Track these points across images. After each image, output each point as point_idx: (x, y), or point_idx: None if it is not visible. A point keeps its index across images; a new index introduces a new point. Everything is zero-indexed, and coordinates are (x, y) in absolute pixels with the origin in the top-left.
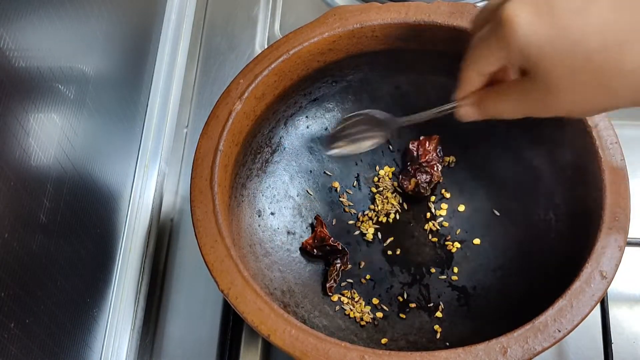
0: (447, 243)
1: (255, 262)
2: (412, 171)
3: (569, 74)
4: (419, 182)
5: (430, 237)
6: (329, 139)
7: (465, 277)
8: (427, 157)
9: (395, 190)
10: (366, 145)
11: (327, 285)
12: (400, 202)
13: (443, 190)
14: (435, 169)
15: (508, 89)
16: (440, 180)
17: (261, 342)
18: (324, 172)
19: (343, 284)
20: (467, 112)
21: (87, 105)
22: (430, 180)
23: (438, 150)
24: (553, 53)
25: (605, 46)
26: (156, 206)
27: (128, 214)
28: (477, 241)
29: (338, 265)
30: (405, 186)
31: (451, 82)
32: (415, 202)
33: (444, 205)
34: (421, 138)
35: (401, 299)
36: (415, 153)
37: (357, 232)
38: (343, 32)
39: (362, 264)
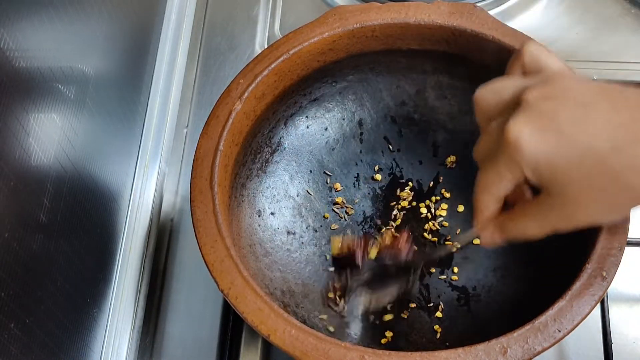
0: (447, 243)
1: (255, 262)
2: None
3: (585, 182)
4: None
5: (430, 237)
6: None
7: (465, 277)
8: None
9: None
10: (390, 295)
11: (329, 296)
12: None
13: (443, 190)
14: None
15: (527, 210)
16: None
17: (261, 342)
18: (324, 172)
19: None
20: (491, 238)
21: (87, 105)
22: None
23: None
24: (565, 166)
25: (616, 146)
26: (156, 206)
27: (128, 213)
28: (477, 241)
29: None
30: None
31: (451, 82)
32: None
33: (444, 205)
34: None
35: (401, 299)
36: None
37: (358, 232)
38: (343, 32)
39: (362, 264)
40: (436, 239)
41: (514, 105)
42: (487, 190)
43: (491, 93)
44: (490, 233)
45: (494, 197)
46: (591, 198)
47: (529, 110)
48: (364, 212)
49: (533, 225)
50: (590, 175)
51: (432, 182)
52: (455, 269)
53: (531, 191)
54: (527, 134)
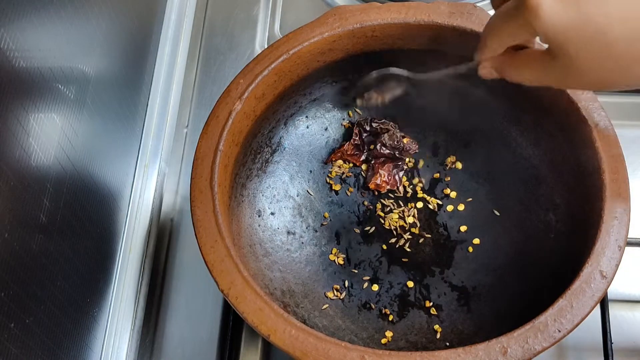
0: (447, 243)
1: (255, 262)
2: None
3: (591, 58)
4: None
5: (430, 237)
6: (356, 93)
7: (465, 277)
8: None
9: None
10: (393, 94)
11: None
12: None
13: (443, 190)
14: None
15: (530, 59)
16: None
17: (261, 342)
18: (324, 172)
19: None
20: (488, 72)
21: (87, 105)
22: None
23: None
24: (577, 39)
25: (628, 35)
26: (156, 206)
27: (128, 213)
28: (477, 241)
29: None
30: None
31: (451, 82)
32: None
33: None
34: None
35: (400, 299)
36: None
37: (357, 232)
38: (343, 32)
39: (362, 264)
40: (436, 238)
41: None
42: (497, 35)
43: None
44: (489, 68)
45: (501, 43)
46: (592, 71)
47: None
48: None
49: (531, 74)
50: (597, 54)
51: (432, 182)
52: (455, 269)
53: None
54: (547, 3)
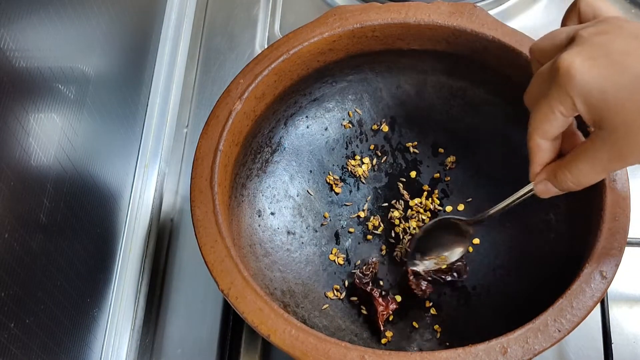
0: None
1: (255, 262)
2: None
3: (636, 111)
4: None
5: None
6: (413, 252)
7: (465, 277)
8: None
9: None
10: (456, 254)
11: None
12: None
13: (443, 190)
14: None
15: (579, 152)
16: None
17: (261, 342)
18: (324, 172)
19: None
20: (545, 188)
21: (87, 105)
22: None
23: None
24: (616, 94)
25: None
26: (156, 206)
27: (128, 213)
28: (476, 241)
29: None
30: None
31: (451, 82)
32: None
33: (447, 206)
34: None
35: (401, 299)
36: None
37: (357, 232)
38: (343, 32)
39: (362, 263)
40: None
41: (568, 43)
42: (540, 128)
43: (546, 40)
44: (545, 182)
45: (547, 136)
46: None
47: (582, 43)
48: (363, 211)
49: (586, 169)
50: None
51: (431, 182)
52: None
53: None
54: (578, 62)
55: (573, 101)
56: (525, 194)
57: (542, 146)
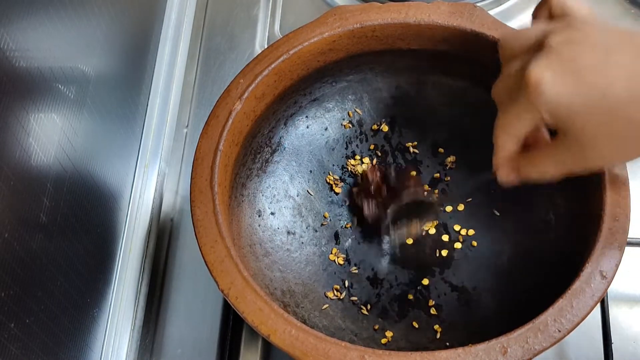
0: (447, 243)
1: (255, 262)
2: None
3: (602, 127)
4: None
5: (429, 236)
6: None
7: (465, 277)
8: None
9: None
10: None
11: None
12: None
13: (443, 190)
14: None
15: (545, 151)
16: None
17: (261, 342)
18: (324, 172)
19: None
20: (507, 177)
21: (87, 105)
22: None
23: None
24: (582, 110)
25: (633, 96)
26: (156, 206)
27: (128, 213)
28: (476, 241)
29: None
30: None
31: (451, 82)
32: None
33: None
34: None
35: (401, 299)
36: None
37: (358, 232)
38: (343, 32)
39: (361, 264)
40: (436, 238)
41: (537, 47)
42: (506, 130)
43: (515, 36)
44: (507, 172)
45: (512, 137)
46: (606, 142)
47: (551, 54)
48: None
49: (549, 166)
50: (606, 122)
51: (431, 182)
52: (456, 269)
53: (549, 134)
54: (548, 78)
55: (540, 112)
56: (484, 180)
57: (507, 144)
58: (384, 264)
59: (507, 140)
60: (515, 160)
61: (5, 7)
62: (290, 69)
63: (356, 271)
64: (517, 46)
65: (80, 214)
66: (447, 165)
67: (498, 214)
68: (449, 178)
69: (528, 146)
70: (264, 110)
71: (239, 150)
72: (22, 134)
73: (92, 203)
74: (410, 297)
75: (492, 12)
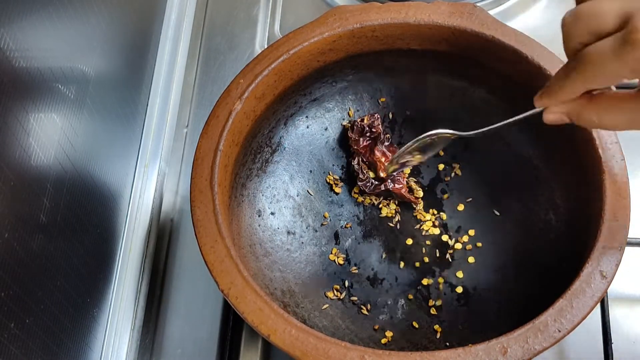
0: (447, 243)
1: (255, 262)
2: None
3: None
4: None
5: (430, 233)
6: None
7: (465, 277)
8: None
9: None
10: (434, 152)
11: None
12: (397, 203)
13: (443, 189)
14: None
15: (622, 102)
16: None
17: (261, 342)
18: (324, 172)
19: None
20: (557, 117)
21: (87, 105)
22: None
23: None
24: None
25: None
26: (156, 206)
27: (128, 213)
28: (477, 241)
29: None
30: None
31: (451, 81)
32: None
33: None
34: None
35: (401, 299)
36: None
37: (358, 232)
38: (343, 32)
39: (362, 264)
40: (436, 239)
41: (622, 26)
42: (588, 79)
43: (585, 17)
44: (559, 115)
45: (588, 86)
46: None
47: None
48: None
49: (622, 119)
50: None
51: (431, 182)
52: (455, 269)
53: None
54: None
55: (631, 67)
56: (524, 117)
57: (577, 90)
58: (383, 264)
59: (579, 87)
60: (576, 105)
61: (5, 6)
62: (290, 69)
63: (356, 271)
64: (586, 35)
65: (80, 214)
66: (446, 165)
67: (498, 214)
68: (448, 178)
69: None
70: (264, 110)
71: (239, 150)
72: (22, 134)
73: (92, 203)
74: (411, 297)
75: (492, 12)
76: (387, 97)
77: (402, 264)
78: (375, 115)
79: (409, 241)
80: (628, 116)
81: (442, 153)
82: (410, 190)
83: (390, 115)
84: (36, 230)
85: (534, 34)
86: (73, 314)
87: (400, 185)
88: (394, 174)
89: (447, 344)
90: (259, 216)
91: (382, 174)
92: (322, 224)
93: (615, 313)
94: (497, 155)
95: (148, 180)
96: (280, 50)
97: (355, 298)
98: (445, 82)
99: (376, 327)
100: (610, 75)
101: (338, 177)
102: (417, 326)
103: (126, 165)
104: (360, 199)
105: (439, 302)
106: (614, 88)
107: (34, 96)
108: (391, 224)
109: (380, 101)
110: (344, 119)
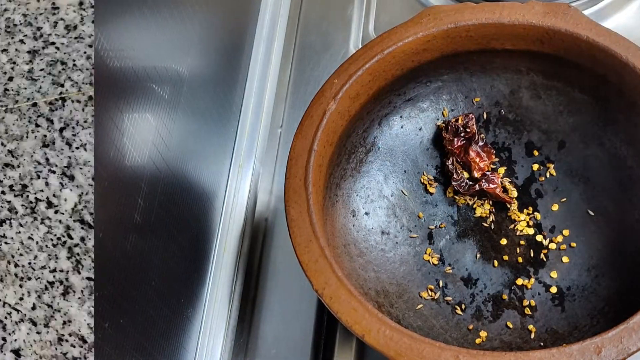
0: (541, 242)
1: (349, 262)
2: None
3: None
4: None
5: (523, 233)
6: None
7: (559, 277)
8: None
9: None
10: None
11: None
12: (491, 203)
13: (537, 190)
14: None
15: None
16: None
17: (355, 342)
18: (418, 172)
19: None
20: None
21: (181, 105)
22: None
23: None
24: None
25: None
26: (250, 206)
27: (222, 213)
28: (571, 241)
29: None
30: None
31: (545, 82)
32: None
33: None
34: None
35: (495, 299)
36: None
37: (452, 232)
38: (437, 32)
39: (456, 264)
40: (530, 238)
41: None
42: None
43: None
44: None
45: None
46: None
47: None
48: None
49: None
50: None
51: (525, 182)
52: (549, 269)
53: None
54: None
55: None
56: None
57: None
58: (477, 263)
59: None
60: None
61: (100, 7)
62: (384, 69)
63: (450, 271)
64: None
65: (174, 214)
66: (541, 165)
67: (592, 213)
68: (542, 178)
69: None
70: (358, 110)
71: (333, 150)
72: (116, 134)
73: (187, 203)
74: (505, 297)
75: (586, 12)
76: (482, 97)
77: (496, 264)
78: (470, 115)
79: (503, 241)
80: None
81: (536, 153)
82: (505, 190)
83: (485, 115)
84: (130, 230)
85: (628, 33)
86: (167, 314)
87: (495, 185)
88: (488, 173)
89: (542, 344)
90: (353, 216)
91: (476, 174)
92: (416, 224)
93: None
94: (591, 155)
95: (242, 180)
96: (374, 50)
97: (449, 298)
98: (539, 82)
99: (470, 327)
100: None
101: (432, 177)
102: (511, 326)
103: (221, 165)
104: (455, 199)
105: (533, 302)
106: None
107: (128, 96)
108: (485, 224)
109: (475, 101)
110: (438, 119)
